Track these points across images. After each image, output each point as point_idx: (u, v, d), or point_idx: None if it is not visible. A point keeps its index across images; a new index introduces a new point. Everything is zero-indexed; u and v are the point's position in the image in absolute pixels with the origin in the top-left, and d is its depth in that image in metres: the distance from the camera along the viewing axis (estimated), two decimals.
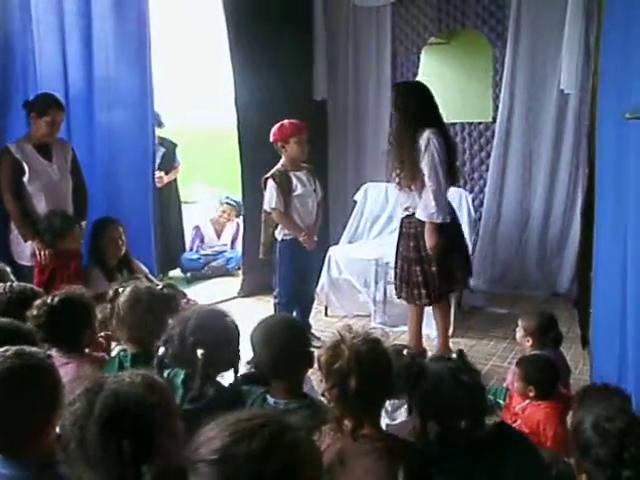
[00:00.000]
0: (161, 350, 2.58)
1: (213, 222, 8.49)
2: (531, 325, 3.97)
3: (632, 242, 3.23)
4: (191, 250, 8.18)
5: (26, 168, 4.57)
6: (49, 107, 4.62)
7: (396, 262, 5.07)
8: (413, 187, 4.73)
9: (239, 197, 7.50)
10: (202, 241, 8.33)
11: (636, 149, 3.16)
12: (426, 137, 4.63)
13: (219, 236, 8.39)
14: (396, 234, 5.14)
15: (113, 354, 3.18)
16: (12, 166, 4.56)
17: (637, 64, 3.23)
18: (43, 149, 4.69)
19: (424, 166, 4.64)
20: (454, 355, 2.37)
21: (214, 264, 7.97)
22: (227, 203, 8.44)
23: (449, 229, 4.83)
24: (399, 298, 5.14)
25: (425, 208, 4.69)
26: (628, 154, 3.31)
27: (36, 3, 4.84)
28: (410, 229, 4.86)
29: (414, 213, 4.80)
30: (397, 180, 4.79)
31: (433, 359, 2.45)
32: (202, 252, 8.13)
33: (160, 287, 3.10)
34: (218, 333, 2.62)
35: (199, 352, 2.47)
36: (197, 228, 8.42)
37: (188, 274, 7.75)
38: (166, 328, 2.81)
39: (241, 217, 8.14)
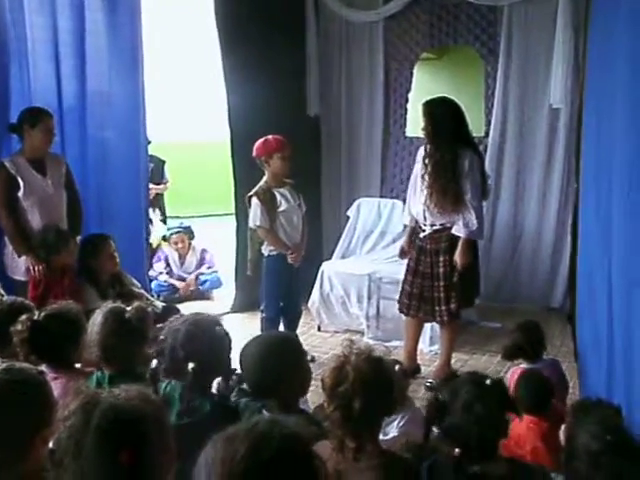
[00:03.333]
0: (154, 363, 2.58)
1: (176, 248, 7.89)
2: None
3: (615, 255, 3.24)
4: (159, 274, 7.62)
5: (21, 183, 4.58)
6: (40, 115, 4.65)
7: (411, 280, 5.06)
8: (451, 207, 4.78)
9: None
10: (168, 264, 7.79)
11: (618, 163, 3.18)
12: (469, 157, 4.76)
13: (183, 261, 7.86)
14: (390, 249, 5.13)
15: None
16: (7, 181, 4.58)
17: (612, 82, 3.26)
18: (37, 164, 4.69)
19: (467, 184, 4.74)
20: (488, 381, 2.32)
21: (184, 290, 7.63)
22: (176, 233, 7.85)
23: (475, 248, 4.94)
24: (408, 315, 5.15)
25: (466, 225, 4.77)
26: (607, 169, 3.33)
27: (30, 21, 4.88)
28: (440, 243, 4.89)
29: (446, 228, 4.85)
30: (439, 204, 4.78)
31: (467, 375, 2.39)
32: (170, 281, 7.65)
33: (132, 307, 3.03)
34: (208, 344, 2.62)
35: (190, 366, 2.47)
36: (162, 251, 7.90)
37: (160, 297, 7.15)
38: (141, 349, 2.91)
39: (194, 240, 7.96)
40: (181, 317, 2.86)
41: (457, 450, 2.15)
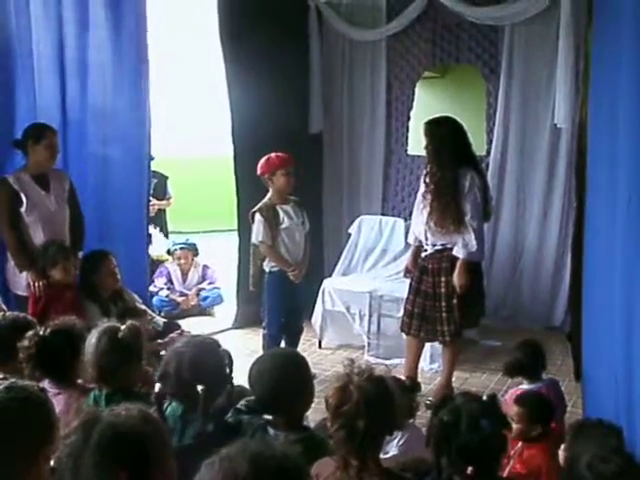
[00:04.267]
0: (157, 387, 2.60)
1: (179, 263, 7.83)
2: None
3: (621, 276, 3.23)
4: (160, 289, 7.54)
5: (24, 199, 4.60)
6: (44, 131, 4.67)
7: (413, 300, 5.04)
8: (452, 227, 4.78)
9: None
10: (170, 280, 7.71)
11: (627, 182, 3.19)
12: (470, 178, 4.75)
13: (185, 278, 7.79)
14: (391, 267, 5.12)
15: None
16: (10, 197, 4.59)
17: (622, 97, 3.27)
18: (40, 180, 4.71)
19: (467, 204, 4.73)
20: (485, 397, 2.35)
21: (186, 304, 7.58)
22: (180, 248, 7.80)
23: (477, 267, 4.93)
24: (410, 335, 5.12)
25: (466, 246, 4.76)
26: (618, 187, 3.33)
27: (37, 36, 4.93)
28: (442, 263, 4.88)
29: (447, 248, 4.85)
30: (440, 223, 4.79)
31: (463, 395, 2.40)
32: (171, 296, 7.54)
33: (125, 326, 3.00)
34: (215, 367, 2.66)
35: (199, 388, 2.49)
36: (164, 267, 7.82)
37: (162, 313, 6.99)
38: (137, 367, 2.93)
39: (198, 257, 7.91)
40: (182, 340, 2.89)
41: (470, 468, 2.15)
